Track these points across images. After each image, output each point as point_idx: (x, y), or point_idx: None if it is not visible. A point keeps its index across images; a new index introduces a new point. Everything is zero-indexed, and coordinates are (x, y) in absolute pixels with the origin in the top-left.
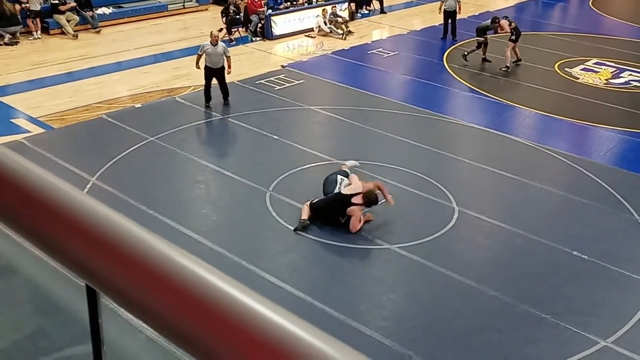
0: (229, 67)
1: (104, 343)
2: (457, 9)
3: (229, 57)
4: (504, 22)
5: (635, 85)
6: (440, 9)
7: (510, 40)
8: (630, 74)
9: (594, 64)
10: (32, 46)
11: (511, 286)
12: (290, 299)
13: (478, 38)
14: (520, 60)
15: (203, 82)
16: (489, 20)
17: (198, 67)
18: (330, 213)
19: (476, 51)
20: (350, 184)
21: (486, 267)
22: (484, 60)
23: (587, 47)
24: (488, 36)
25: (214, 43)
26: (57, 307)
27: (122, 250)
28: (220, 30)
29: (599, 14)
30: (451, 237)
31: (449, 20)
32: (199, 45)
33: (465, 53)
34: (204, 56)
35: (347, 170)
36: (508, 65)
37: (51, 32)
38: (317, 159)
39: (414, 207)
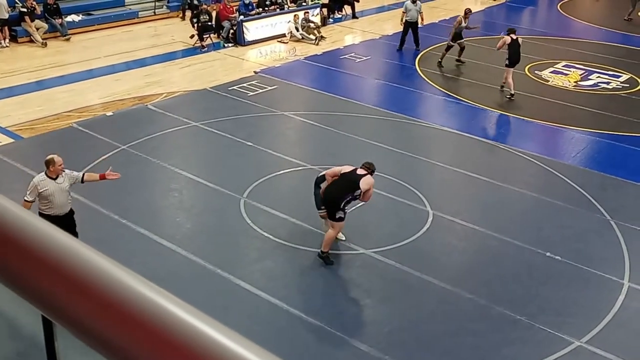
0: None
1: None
2: (420, 20)
3: (86, 175)
4: (461, 19)
5: (603, 87)
6: (402, 19)
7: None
8: (599, 76)
9: (563, 66)
10: (0, 55)
11: (486, 288)
12: (266, 306)
13: (458, 42)
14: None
15: (175, 90)
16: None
17: None
18: (339, 196)
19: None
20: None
21: (461, 270)
22: (458, 61)
23: (556, 50)
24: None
25: (54, 175)
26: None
27: (78, 283)
28: (192, 36)
29: (567, 17)
30: (426, 240)
31: (409, 31)
32: (172, 52)
33: (457, 59)
34: (37, 201)
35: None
36: (512, 92)
37: (19, 40)
38: (291, 165)
39: (388, 211)
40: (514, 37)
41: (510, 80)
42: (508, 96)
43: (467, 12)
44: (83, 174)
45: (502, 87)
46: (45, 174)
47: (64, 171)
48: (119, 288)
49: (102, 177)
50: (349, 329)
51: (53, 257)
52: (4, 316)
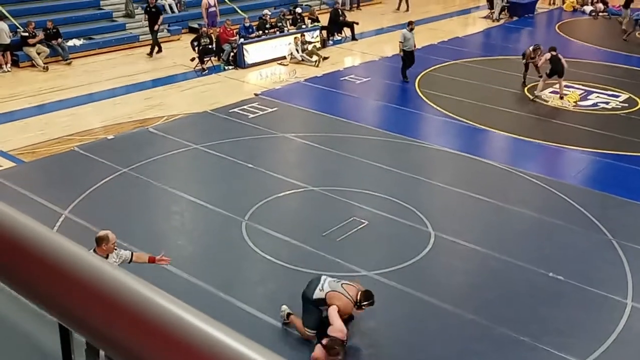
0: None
1: None
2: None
3: (134, 255)
4: (543, 55)
5: (602, 107)
6: (400, 50)
7: (545, 74)
8: (598, 96)
9: (562, 86)
10: (2, 79)
11: (488, 309)
12: (267, 329)
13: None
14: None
15: (176, 113)
16: (531, 47)
17: None
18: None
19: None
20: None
21: (463, 291)
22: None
23: None
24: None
25: (105, 254)
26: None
27: (94, 290)
28: (193, 59)
29: (565, 37)
30: (428, 261)
31: (408, 59)
32: (173, 76)
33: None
34: None
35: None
36: (536, 94)
37: (21, 64)
38: (292, 187)
39: (390, 232)
40: (554, 53)
41: (541, 84)
42: (532, 97)
43: (537, 49)
44: (132, 254)
45: (534, 98)
46: (95, 251)
47: (115, 249)
48: (132, 294)
49: (152, 261)
50: (352, 352)
51: (66, 264)
52: (19, 327)
